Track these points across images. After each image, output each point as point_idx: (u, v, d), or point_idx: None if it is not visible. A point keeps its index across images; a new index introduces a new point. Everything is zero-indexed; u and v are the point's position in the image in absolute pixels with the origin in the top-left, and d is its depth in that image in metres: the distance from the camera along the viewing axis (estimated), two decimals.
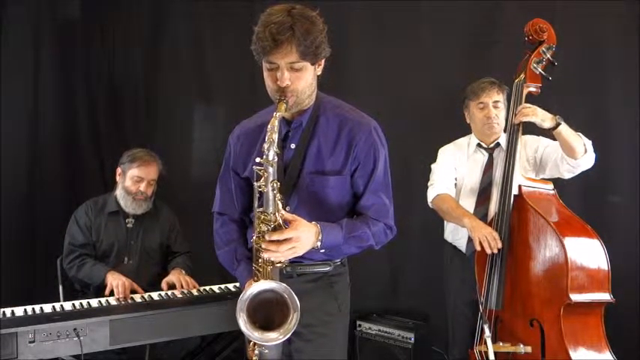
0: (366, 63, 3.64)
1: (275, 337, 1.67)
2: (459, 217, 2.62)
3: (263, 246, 1.70)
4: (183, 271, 2.93)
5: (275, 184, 1.69)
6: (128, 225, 3.02)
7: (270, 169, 1.68)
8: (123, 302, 2.67)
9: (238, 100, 3.75)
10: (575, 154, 2.49)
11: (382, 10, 3.55)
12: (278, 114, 1.70)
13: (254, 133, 1.95)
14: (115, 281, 2.74)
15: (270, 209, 1.70)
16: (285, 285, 1.68)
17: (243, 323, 1.66)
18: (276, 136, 1.67)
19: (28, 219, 3.67)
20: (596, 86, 3.18)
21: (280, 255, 1.70)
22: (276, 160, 1.68)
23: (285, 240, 1.69)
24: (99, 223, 3.00)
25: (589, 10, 3.10)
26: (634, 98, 3.07)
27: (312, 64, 1.74)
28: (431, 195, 2.79)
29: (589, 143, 2.53)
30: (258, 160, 1.69)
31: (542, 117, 2.46)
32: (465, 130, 2.88)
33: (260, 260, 1.76)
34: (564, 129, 2.44)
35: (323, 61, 1.80)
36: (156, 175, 3.02)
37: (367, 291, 3.56)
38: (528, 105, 2.51)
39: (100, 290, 2.80)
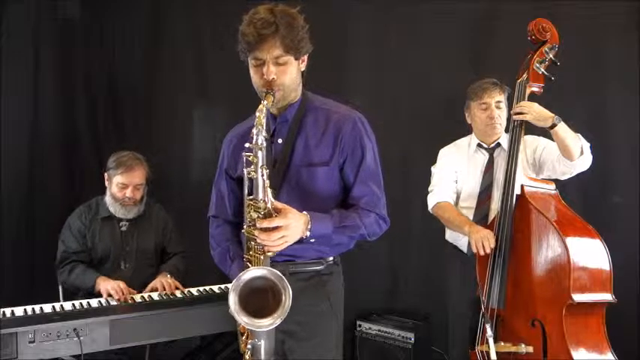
0: (366, 63, 3.64)
1: (269, 323, 1.66)
2: (460, 225, 2.64)
3: (255, 233, 1.70)
4: (169, 275, 2.89)
5: (264, 170, 1.71)
6: (122, 229, 3.00)
7: (260, 154, 1.70)
8: (123, 302, 2.66)
9: (238, 100, 3.71)
10: (571, 155, 2.49)
11: (382, 10, 3.55)
12: (265, 102, 1.75)
13: (245, 135, 1.97)
14: (110, 285, 2.72)
15: (260, 195, 1.71)
16: (276, 271, 1.68)
17: (233, 305, 1.64)
18: (264, 121, 1.71)
19: (28, 219, 3.66)
20: (596, 86, 3.18)
21: (271, 243, 1.70)
22: (264, 144, 1.71)
23: (275, 228, 1.69)
24: (94, 229, 2.98)
25: (589, 10, 3.11)
26: (634, 98, 3.07)
27: (296, 58, 1.82)
28: (431, 203, 2.79)
29: (587, 145, 2.53)
30: (247, 145, 1.71)
31: (537, 116, 2.46)
32: (465, 130, 2.88)
33: (251, 251, 1.77)
34: (561, 129, 2.44)
35: (306, 57, 1.87)
36: (142, 180, 2.97)
37: (367, 291, 3.57)
38: (526, 103, 2.51)
39: (89, 296, 2.77)
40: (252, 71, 1.83)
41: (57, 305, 2.60)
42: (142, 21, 3.98)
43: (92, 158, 3.94)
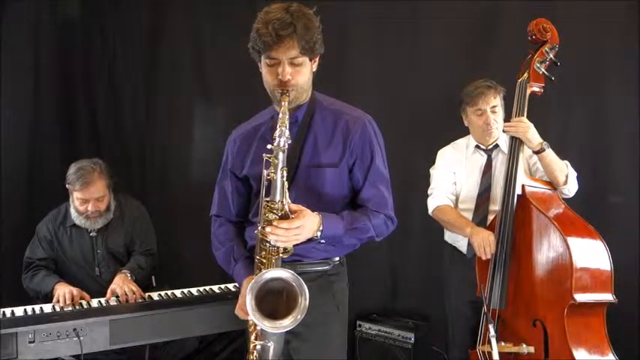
0: (366, 63, 3.64)
1: (289, 323, 1.66)
2: (461, 227, 2.64)
3: (269, 230, 1.70)
4: (129, 275, 2.82)
5: (284, 171, 1.72)
6: (92, 234, 2.92)
7: (281, 156, 1.71)
8: (123, 302, 2.66)
9: (238, 100, 3.75)
10: (555, 182, 2.54)
11: (382, 10, 3.55)
12: (285, 103, 1.75)
13: (250, 135, 2.00)
14: (62, 290, 2.68)
15: (278, 197, 1.72)
16: (292, 272, 1.70)
17: (251, 309, 1.65)
18: (287, 123, 1.72)
19: (28, 219, 3.66)
20: (596, 86, 3.17)
21: (285, 239, 1.71)
22: (286, 146, 1.72)
23: (293, 229, 1.71)
24: (61, 237, 2.93)
25: (589, 10, 3.10)
26: (634, 98, 3.07)
27: (310, 59, 1.82)
28: (431, 206, 2.79)
29: (573, 175, 2.55)
30: (269, 146, 1.73)
31: (529, 138, 2.50)
32: (465, 130, 2.87)
33: (264, 252, 1.77)
34: (547, 156, 2.49)
35: (318, 58, 1.87)
36: (102, 192, 2.85)
37: (367, 291, 3.56)
38: (522, 123, 2.52)
39: (48, 301, 2.72)
40: (265, 71, 1.81)
41: (57, 305, 2.60)
42: (142, 21, 3.98)
43: (92, 158, 3.94)
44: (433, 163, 2.89)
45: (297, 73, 1.79)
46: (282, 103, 1.75)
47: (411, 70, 3.52)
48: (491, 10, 3.38)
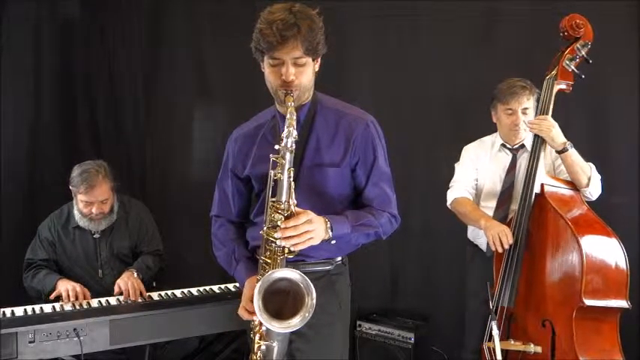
0: (366, 63, 3.64)
1: (297, 323, 1.66)
2: (476, 219, 2.62)
3: (279, 235, 1.69)
4: (135, 273, 2.81)
5: (291, 172, 1.71)
6: (95, 236, 2.92)
7: (288, 156, 1.71)
8: (123, 302, 2.66)
9: (238, 100, 3.75)
10: (577, 183, 2.50)
11: (382, 10, 3.55)
12: (290, 103, 1.75)
13: (251, 135, 1.99)
14: (64, 286, 2.67)
15: (284, 197, 1.71)
16: (299, 272, 1.68)
17: (259, 310, 1.64)
18: (295, 123, 1.72)
19: (28, 219, 3.66)
20: (596, 86, 3.17)
21: (298, 239, 1.69)
22: (294, 147, 1.71)
23: (301, 224, 1.70)
24: (63, 240, 2.92)
25: (589, 10, 3.10)
26: (634, 98, 3.07)
27: (313, 60, 1.81)
28: (450, 198, 2.77)
29: (596, 177, 2.51)
30: (276, 147, 1.72)
31: (553, 137, 2.46)
32: (466, 130, 2.88)
33: (268, 252, 1.76)
34: (570, 156, 2.45)
35: (320, 59, 1.86)
36: (106, 194, 2.85)
37: (367, 291, 3.56)
38: (549, 119, 2.50)
39: (49, 301, 2.70)
40: (268, 71, 1.81)
41: (57, 305, 2.60)
42: (142, 21, 3.98)
43: (92, 158, 3.94)
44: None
45: (301, 74, 1.78)
46: (287, 103, 1.75)
47: (411, 70, 3.52)
48: (491, 10, 3.38)
